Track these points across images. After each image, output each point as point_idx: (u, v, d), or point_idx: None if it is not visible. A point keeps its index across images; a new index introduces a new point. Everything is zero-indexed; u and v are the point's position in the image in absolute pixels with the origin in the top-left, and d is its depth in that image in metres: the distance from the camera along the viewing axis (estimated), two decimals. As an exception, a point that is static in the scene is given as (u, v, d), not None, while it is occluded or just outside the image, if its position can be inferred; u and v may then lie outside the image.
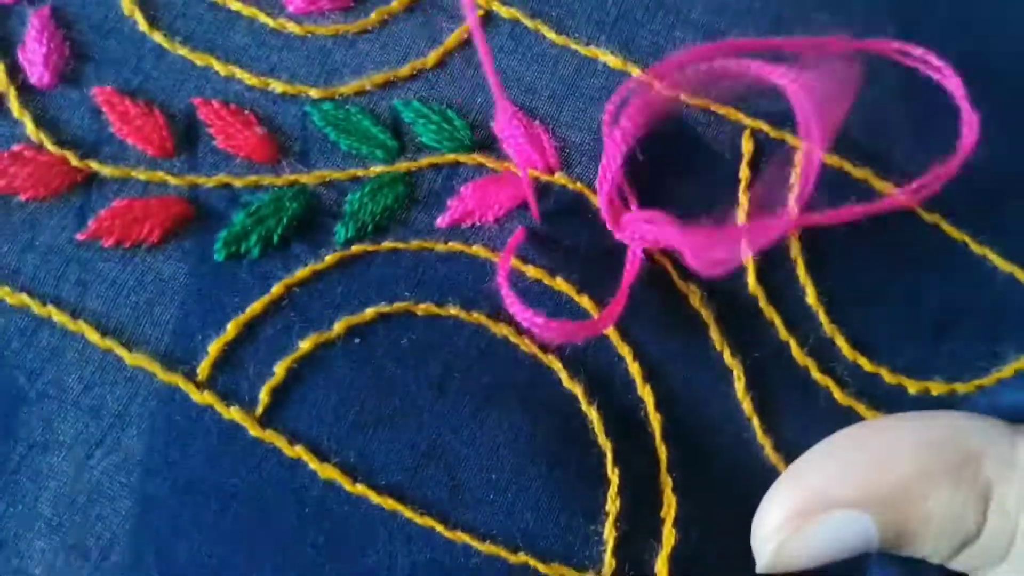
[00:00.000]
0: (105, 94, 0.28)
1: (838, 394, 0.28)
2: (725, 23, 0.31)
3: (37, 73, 0.28)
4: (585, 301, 0.28)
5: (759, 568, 0.24)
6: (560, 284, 0.28)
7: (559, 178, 0.29)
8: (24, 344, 0.26)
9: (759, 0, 0.31)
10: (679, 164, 0.29)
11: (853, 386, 0.28)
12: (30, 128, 0.27)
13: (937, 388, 0.28)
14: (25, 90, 0.28)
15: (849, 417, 0.27)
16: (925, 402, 0.28)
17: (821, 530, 0.23)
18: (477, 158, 0.29)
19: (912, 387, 0.28)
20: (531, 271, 0.28)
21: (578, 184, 0.29)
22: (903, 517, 0.23)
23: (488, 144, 0.29)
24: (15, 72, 0.28)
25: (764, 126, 0.29)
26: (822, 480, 0.24)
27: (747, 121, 0.29)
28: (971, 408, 0.26)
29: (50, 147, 0.27)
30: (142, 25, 0.29)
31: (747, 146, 0.29)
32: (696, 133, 0.29)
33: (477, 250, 0.28)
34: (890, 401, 0.28)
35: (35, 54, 0.28)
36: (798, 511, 0.24)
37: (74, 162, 0.27)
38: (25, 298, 0.26)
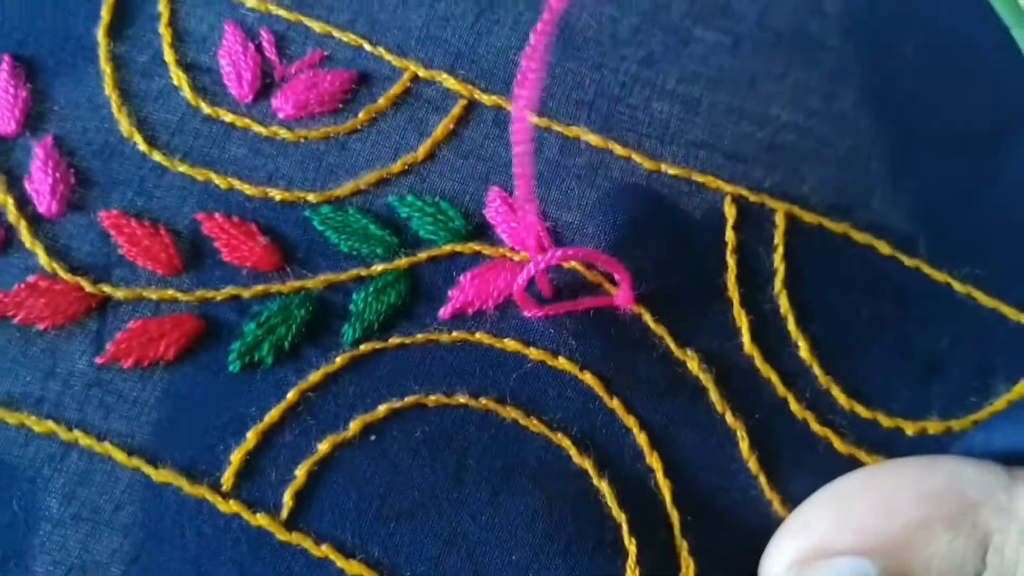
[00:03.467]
0: (112, 218, 0.29)
1: (838, 444, 0.29)
2: (699, 90, 0.32)
3: (45, 203, 0.29)
4: (588, 378, 0.29)
5: None
6: (563, 364, 0.29)
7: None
8: (54, 470, 0.27)
9: (729, 64, 0.32)
10: (662, 232, 0.31)
11: (852, 434, 0.29)
12: (43, 258, 0.28)
13: (934, 427, 0.29)
14: (35, 220, 0.29)
15: (851, 465, 0.28)
16: (923, 442, 0.29)
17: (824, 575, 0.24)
18: (473, 247, 0.30)
19: (909, 428, 0.29)
20: (534, 353, 0.29)
21: (571, 262, 0.30)
22: (904, 564, 0.24)
23: (483, 232, 0.30)
24: (24, 203, 0.29)
25: (744, 191, 0.31)
26: (825, 527, 0.25)
27: (727, 188, 0.31)
28: (968, 446, 0.27)
29: (64, 275, 0.28)
30: (142, 146, 0.30)
31: (730, 211, 0.30)
32: (676, 201, 0.31)
33: (480, 337, 0.29)
34: (889, 444, 0.29)
35: (42, 184, 0.29)
36: (801, 557, 0.25)
37: (88, 288, 0.28)
38: (51, 425, 0.27)
